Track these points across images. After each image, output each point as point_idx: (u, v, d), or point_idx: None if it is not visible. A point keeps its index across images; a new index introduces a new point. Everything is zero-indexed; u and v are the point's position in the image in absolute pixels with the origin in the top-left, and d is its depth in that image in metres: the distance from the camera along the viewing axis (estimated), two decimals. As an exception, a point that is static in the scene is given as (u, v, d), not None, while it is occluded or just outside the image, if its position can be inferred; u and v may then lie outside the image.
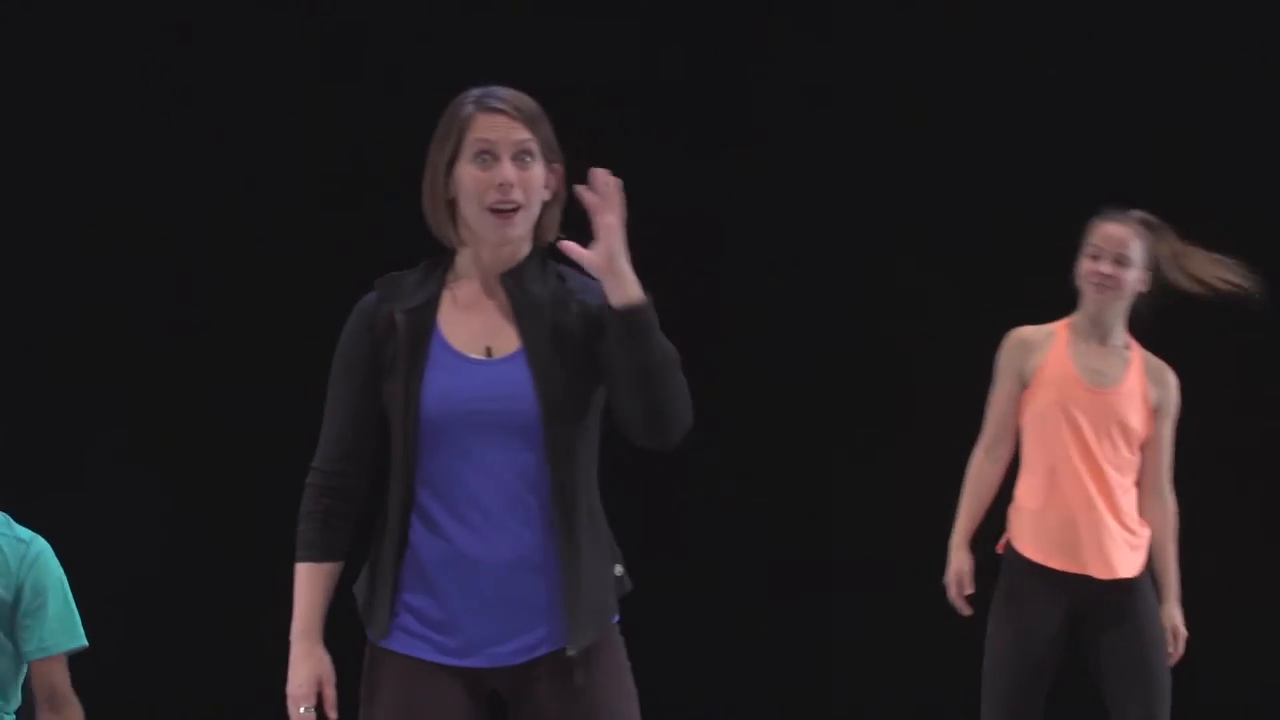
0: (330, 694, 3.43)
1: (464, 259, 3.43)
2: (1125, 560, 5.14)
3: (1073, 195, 5.48)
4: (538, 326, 3.37)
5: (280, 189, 6.96)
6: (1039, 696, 5.14)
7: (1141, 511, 5.19)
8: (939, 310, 6.91)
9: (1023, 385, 5.23)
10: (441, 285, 3.43)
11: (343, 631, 3.55)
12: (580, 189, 3.24)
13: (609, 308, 3.24)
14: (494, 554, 3.35)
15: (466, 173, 3.36)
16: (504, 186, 3.34)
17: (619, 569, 3.48)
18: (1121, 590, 5.13)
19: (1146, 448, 5.20)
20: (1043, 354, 5.22)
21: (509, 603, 3.36)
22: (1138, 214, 5.21)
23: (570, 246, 3.25)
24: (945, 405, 5.54)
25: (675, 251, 6.64)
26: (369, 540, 3.48)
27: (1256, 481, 6.84)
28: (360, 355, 3.42)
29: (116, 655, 6.52)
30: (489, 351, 3.38)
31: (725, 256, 6.90)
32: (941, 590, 5.30)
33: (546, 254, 3.44)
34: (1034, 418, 5.19)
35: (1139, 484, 5.20)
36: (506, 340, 3.39)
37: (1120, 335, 5.22)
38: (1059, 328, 5.24)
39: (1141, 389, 5.18)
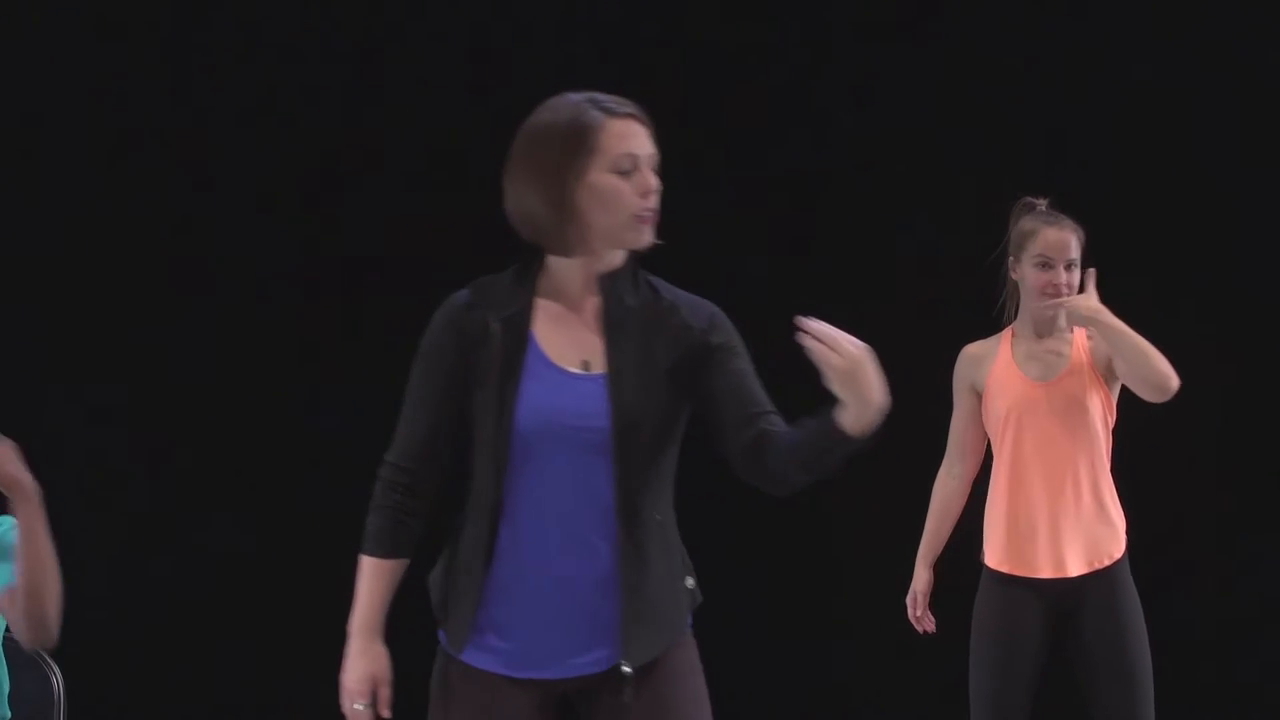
0: (385, 694, 3.41)
1: (560, 266, 3.39)
2: (1096, 551, 5.11)
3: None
4: (625, 341, 3.35)
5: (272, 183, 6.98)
6: (1024, 703, 5.14)
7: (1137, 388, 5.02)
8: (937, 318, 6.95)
9: (979, 399, 5.24)
10: (533, 292, 3.40)
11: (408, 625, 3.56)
12: (805, 342, 3.13)
13: (830, 420, 3.15)
14: (577, 570, 3.34)
15: (608, 181, 3.31)
16: (651, 194, 3.33)
17: (690, 581, 3.49)
18: (1100, 582, 5.09)
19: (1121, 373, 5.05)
20: (990, 363, 5.22)
21: (588, 617, 3.36)
22: (1043, 206, 5.20)
23: (816, 330, 3.12)
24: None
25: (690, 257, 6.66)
26: (437, 538, 3.48)
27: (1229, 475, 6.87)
28: (448, 358, 3.38)
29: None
30: (586, 365, 3.37)
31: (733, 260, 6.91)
32: (940, 598, 5.39)
33: (638, 264, 3.43)
34: (992, 428, 5.20)
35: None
36: (603, 355, 3.36)
37: (1064, 324, 5.19)
38: (1005, 334, 5.25)
39: (1087, 358, 5.13)
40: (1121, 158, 6.81)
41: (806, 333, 3.12)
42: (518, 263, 3.42)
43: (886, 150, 6.95)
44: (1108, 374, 5.13)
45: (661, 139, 3.35)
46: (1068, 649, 5.15)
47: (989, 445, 5.28)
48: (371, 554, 3.43)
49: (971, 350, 5.29)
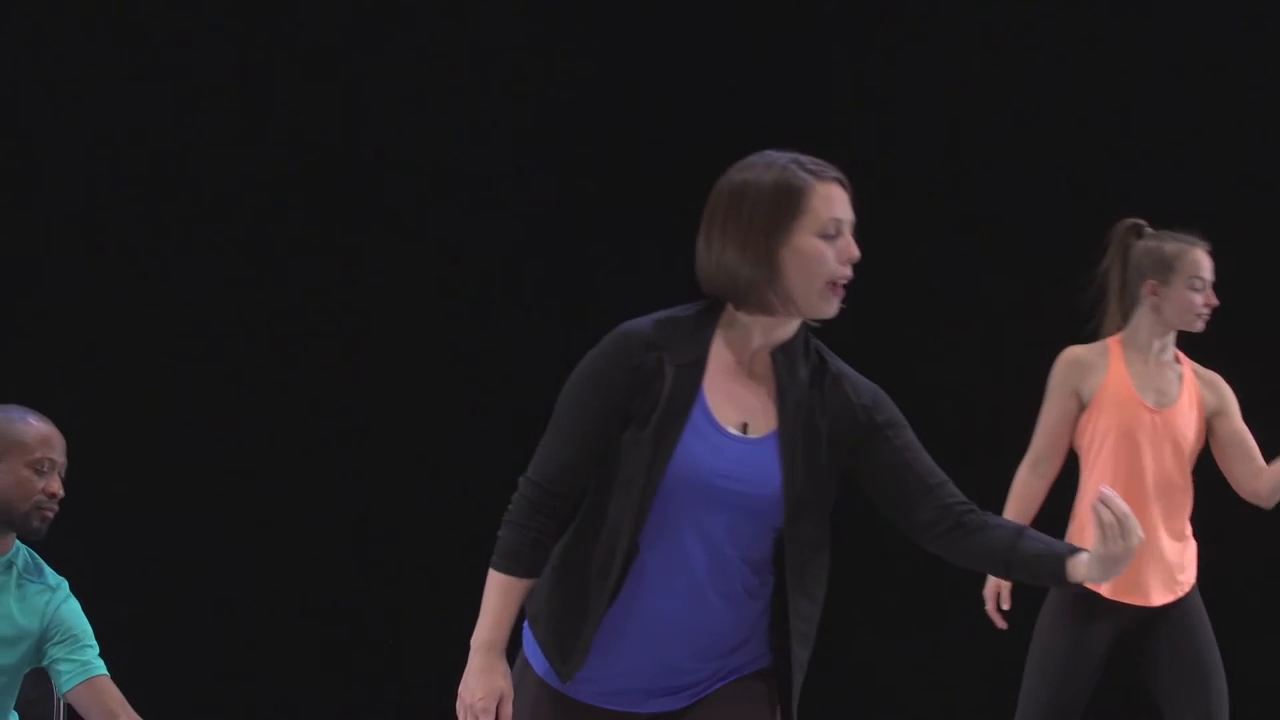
0: (508, 711, 3.38)
1: (742, 322, 3.36)
2: (1182, 582, 5.19)
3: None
4: (795, 412, 3.33)
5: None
6: (1078, 714, 5.18)
7: (1258, 493, 5.22)
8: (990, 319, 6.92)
9: (1080, 406, 5.22)
10: (709, 341, 3.35)
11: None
12: (1099, 508, 3.21)
13: (1063, 559, 3.27)
14: (696, 623, 3.35)
15: (814, 245, 3.29)
16: (852, 262, 3.32)
17: None
18: (1177, 610, 5.17)
19: (1226, 447, 5.24)
20: (1101, 375, 5.22)
21: (693, 670, 3.39)
22: (1148, 227, 5.26)
23: (1114, 506, 3.21)
24: (1001, 420, 5.51)
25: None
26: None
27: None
28: (616, 389, 3.32)
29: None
30: (745, 428, 3.33)
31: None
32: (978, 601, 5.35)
33: (809, 332, 3.41)
34: (1096, 440, 5.21)
35: (1239, 477, 5.24)
36: (763, 419, 3.34)
37: (1172, 351, 5.26)
38: (1112, 346, 5.25)
39: (1196, 400, 5.23)
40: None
41: (1103, 499, 3.21)
42: (700, 306, 3.38)
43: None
44: (1211, 421, 5.23)
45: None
46: (1139, 663, 5.21)
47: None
48: (510, 572, 3.38)
49: (1079, 355, 5.27)
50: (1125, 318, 5.24)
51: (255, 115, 7.12)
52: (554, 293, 7.27)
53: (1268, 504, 5.25)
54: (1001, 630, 5.29)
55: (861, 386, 3.39)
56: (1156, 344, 5.21)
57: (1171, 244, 5.20)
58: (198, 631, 6.98)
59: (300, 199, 7.14)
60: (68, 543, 4.54)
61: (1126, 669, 5.28)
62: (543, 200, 7.25)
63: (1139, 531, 3.20)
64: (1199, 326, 5.21)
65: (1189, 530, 5.21)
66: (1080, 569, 3.25)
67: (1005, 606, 5.28)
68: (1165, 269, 5.17)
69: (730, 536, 3.31)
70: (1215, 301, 5.19)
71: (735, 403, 3.33)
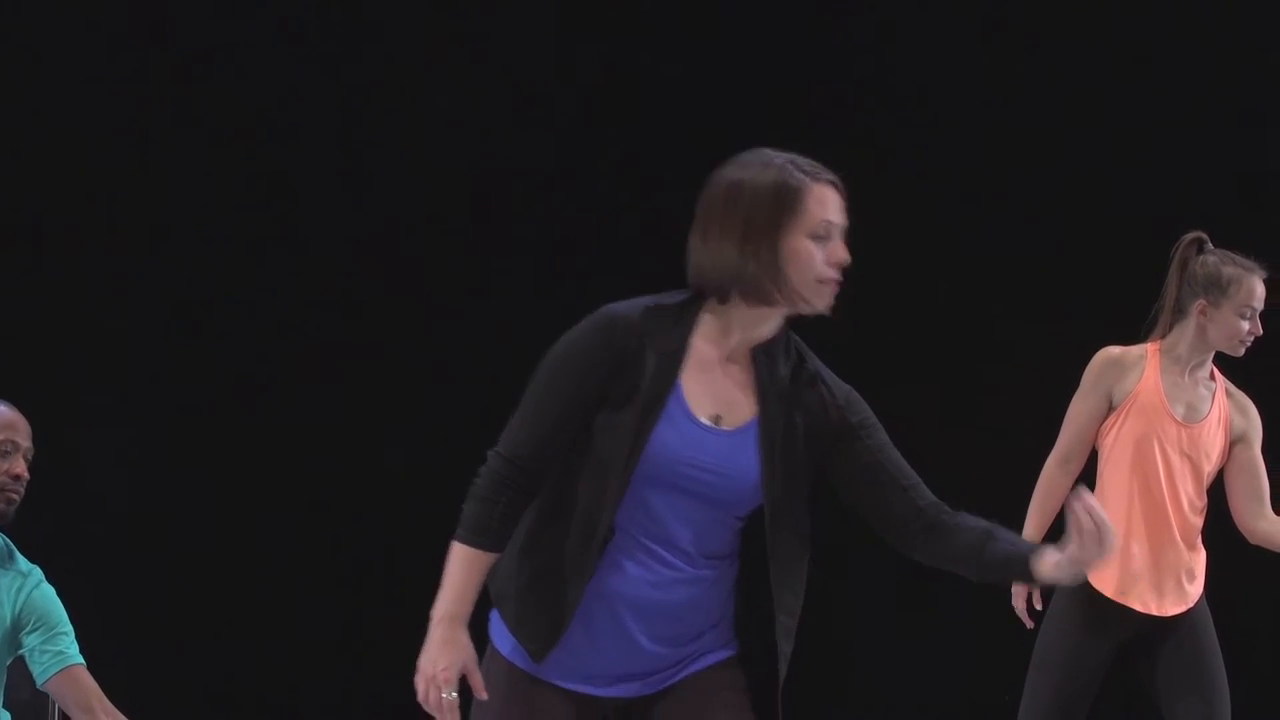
0: (478, 680, 3.38)
1: (721, 314, 3.40)
2: (1191, 595, 5.19)
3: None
4: (776, 406, 3.38)
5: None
6: (1080, 715, 5.19)
7: (1255, 533, 5.25)
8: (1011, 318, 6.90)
9: (1110, 406, 5.23)
10: (690, 332, 3.39)
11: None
12: (1078, 511, 3.25)
13: (1028, 559, 3.32)
14: (659, 606, 3.39)
15: (804, 246, 3.34)
16: (840, 266, 3.36)
17: None
18: (1186, 619, 5.19)
19: (1239, 474, 5.24)
20: (1135, 379, 5.23)
21: (656, 656, 3.42)
22: (1209, 243, 5.25)
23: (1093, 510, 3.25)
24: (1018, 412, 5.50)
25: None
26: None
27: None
28: (595, 372, 3.35)
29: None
30: (717, 419, 3.38)
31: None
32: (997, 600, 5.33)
33: (791, 330, 3.45)
34: (1120, 444, 5.22)
35: (1242, 509, 5.25)
36: (737, 412, 3.39)
37: (1209, 368, 5.27)
38: (1150, 353, 5.25)
39: (1224, 420, 5.24)
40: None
41: (1084, 506, 3.25)
42: (685, 296, 3.41)
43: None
44: (1233, 445, 5.25)
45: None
46: (1140, 668, 5.23)
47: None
48: (476, 545, 3.38)
49: (1117, 356, 5.27)
50: (1170, 328, 5.24)
51: (252, 111, 7.11)
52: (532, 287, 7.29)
53: (1260, 544, 5.27)
54: (999, 626, 5.31)
55: (836, 387, 3.44)
56: (1195, 359, 5.22)
57: (1230, 268, 5.20)
58: (181, 625, 6.97)
59: (292, 193, 7.14)
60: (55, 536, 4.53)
61: (1130, 671, 5.29)
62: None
63: (1114, 541, 3.25)
64: (1240, 352, 5.22)
65: (1200, 541, 5.22)
66: (1046, 568, 3.31)
67: (1038, 607, 5.28)
68: (1218, 291, 5.18)
69: (690, 525, 3.36)
70: (1260, 331, 5.19)
71: (711, 394, 3.37)
